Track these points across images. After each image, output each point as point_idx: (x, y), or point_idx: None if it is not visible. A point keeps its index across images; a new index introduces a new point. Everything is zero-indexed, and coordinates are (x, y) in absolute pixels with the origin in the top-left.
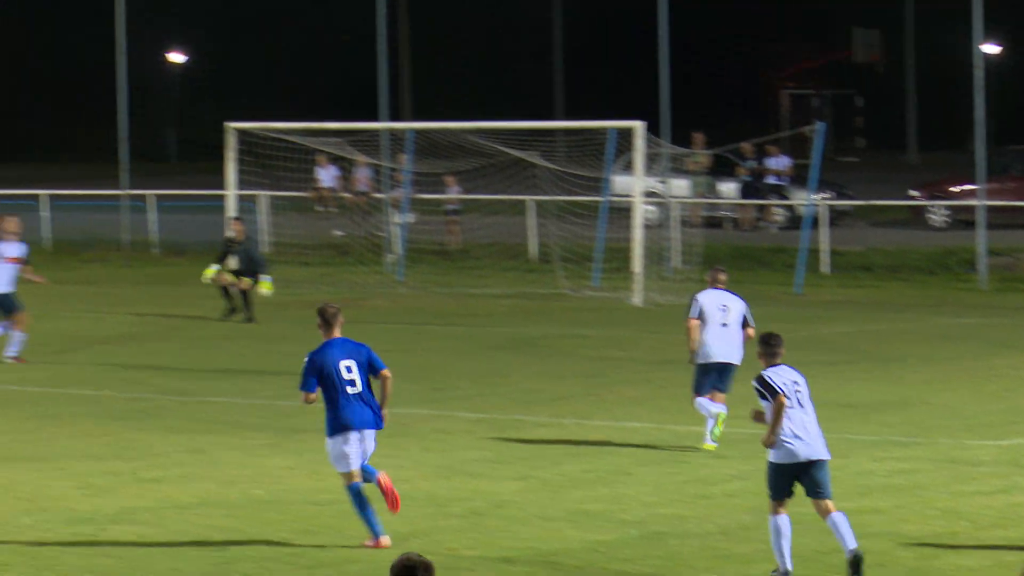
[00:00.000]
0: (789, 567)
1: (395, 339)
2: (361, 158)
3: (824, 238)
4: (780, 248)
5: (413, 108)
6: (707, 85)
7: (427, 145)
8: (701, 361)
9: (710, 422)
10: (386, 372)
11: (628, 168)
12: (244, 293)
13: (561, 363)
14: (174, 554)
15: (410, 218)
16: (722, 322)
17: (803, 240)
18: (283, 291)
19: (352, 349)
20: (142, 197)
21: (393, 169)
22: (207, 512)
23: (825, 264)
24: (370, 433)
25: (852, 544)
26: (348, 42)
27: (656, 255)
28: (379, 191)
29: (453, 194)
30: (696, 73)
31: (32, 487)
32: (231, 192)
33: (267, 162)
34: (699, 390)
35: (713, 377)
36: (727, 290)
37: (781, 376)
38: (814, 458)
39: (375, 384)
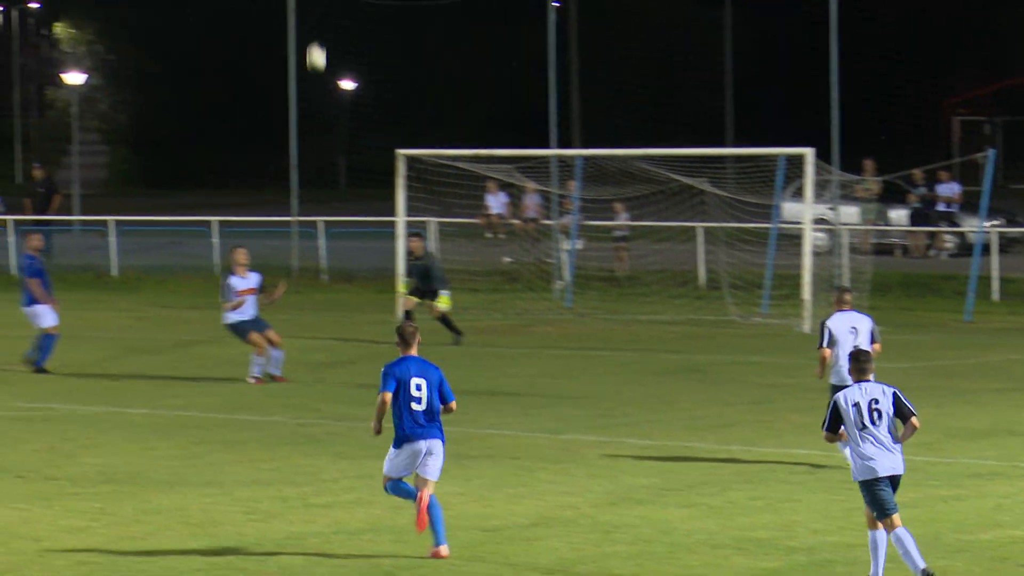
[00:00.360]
0: (921, 565)
1: (563, 365)
2: (530, 185)
3: (994, 265)
4: (950, 275)
5: (582, 135)
6: (878, 111)
7: (596, 172)
8: (836, 383)
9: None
10: (453, 405)
11: (798, 195)
12: (444, 318)
13: (729, 390)
14: None
15: (579, 245)
16: (854, 343)
17: (973, 267)
18: (453, 317)
19: (426, 368)
20: (312, 223)
21: (562, 196)
22: (376, 538)
23: (995, 291)
24: (435, 445)
25: (916, 560)
26: (517, 69)
27: (825, 282)
28: (548, 218)
29: (622, 220)
30: (867, 100)
31: (200, 512)
32: (400, 218)
33: (436, 188)
34: None
35: None
36: (854, 310)
37: (854, 396)
38: (895, 473)
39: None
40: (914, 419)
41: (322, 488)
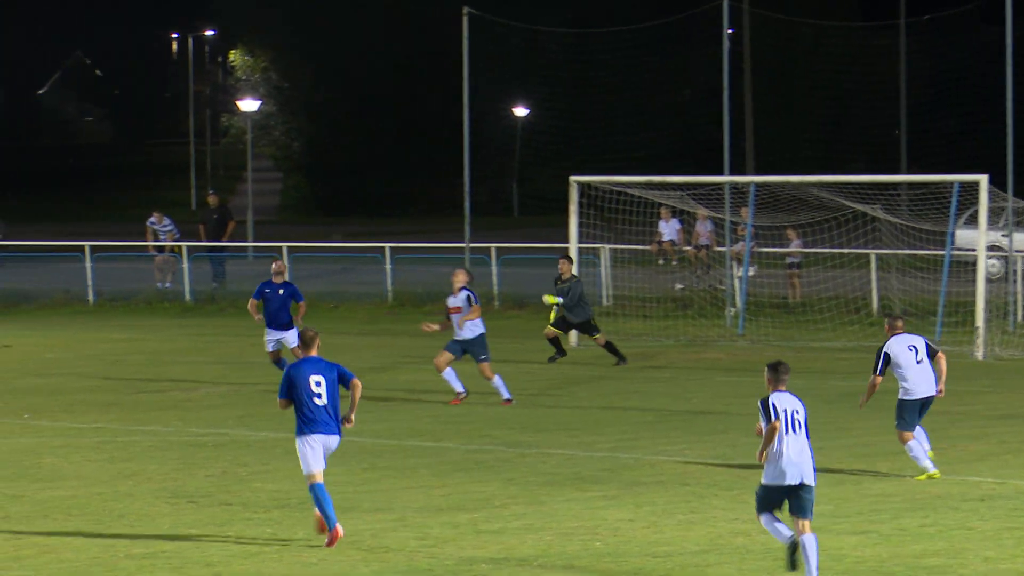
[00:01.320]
0: (788, 534)
1: (734, 391)
2: (703, 211)
3: None
4: None
5: (755, 161)
6: None
7: (769, 198)
8: (909, 399)
9: (923, 455)
10: (356, 381)
11: (972, 221)
12: (609, 345)
13: None
14: None
15: (751, 271)
16: (916, 360)
17: None
18: (624, 344)
19: (324, 367)
20: (484, 250)
21: (735, 222)
22: (547, 564)
23: None
24: (333, 440)
25: (812, 571)
26: (691, 96)
27: (999, 309)
28: (720, 244)
29: (795, 247)
30: None
31: (372, 538)
32: (573, 245)
33: (609, 215)
34: (910, 426)
35: (918, 413)
36: (907, 332)
37: (782, 402)
38: (803, 482)
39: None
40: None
41: (493, 514)
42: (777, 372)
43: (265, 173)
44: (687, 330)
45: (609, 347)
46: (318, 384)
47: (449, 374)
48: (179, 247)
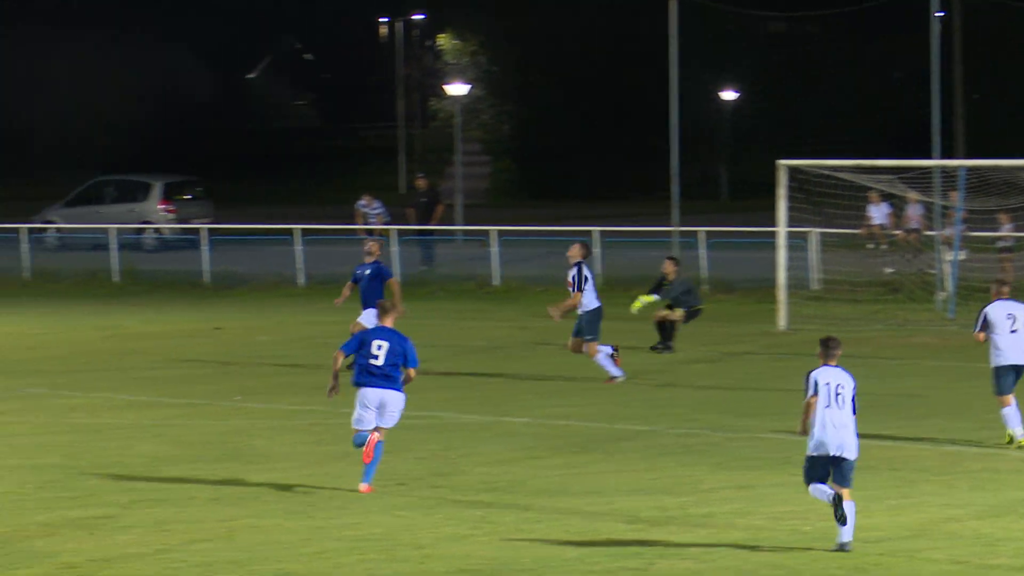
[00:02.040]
0: (830, 491)
1: (944, 376)
2: (913, 195)
3: None
4: None
5: (966, 145)
6: None
7: (979, 182)
8: (999, 364)
9: (1016, 421)
10: (412, 372)
11: None
12: (671, 323)
13: None
14: None
15: (962, 255)
16: (1011, 329)
17: None
18: (833, 328)
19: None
20: (692, 234)
21: (945, 206)
22: (756, 548)
23: None
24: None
25: (847, 537)
26: (900, 80)
27: None
28: (931, 228)
29: (1006, 231)
30: None
31: (581, 521)
32: (782, 229)
33: (818, 199)
34: (1003, 390)
35: (1012, 377)
36: (1012, 299)
37: (826, 377)
38: (841, 454)
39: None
40: None
41: (701, 499)
42: (827, 347)
43: (474, 157)
44: (897, 314)
45: (668, 329)
46: (379, 347)
47: (600, 359)
48: (388, 231)
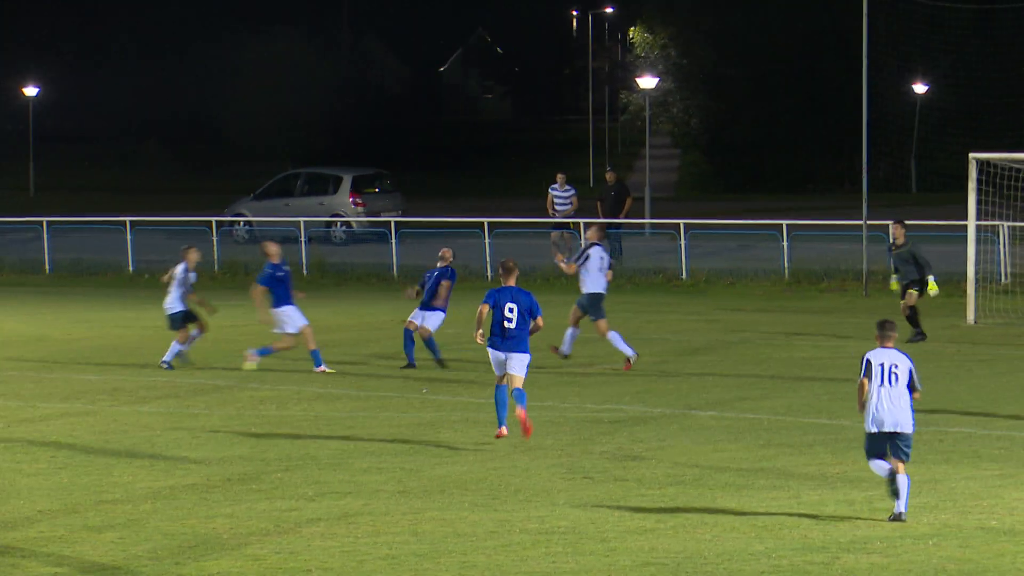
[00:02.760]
0: (887, 467)
1: None
2: None
3: None
4: None
5: None
6: None
7: None
8: None
9: None
10: (540, 321)
11: None
12: (912, 310)
13: None
14: None
15: None
16: None
17: None
18: (1023, 322)
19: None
20: (882, 227)
21: None
22: (940, 543)
23: None
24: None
25: (901, 508)
26: None
27: None
28: None
29: None
30: None
31: (768, 515)
32: (971, 222)
33: (1009, 192)
34: None
35: None
36: None
37: (880, 357)
38: (897, 429)
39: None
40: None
41: (886, 492)
42: (883, 329)
43: (663, 150)
44: None
45: (911, 316)
46: (511, 310)
47: (612, 337)
48: (575, 223)
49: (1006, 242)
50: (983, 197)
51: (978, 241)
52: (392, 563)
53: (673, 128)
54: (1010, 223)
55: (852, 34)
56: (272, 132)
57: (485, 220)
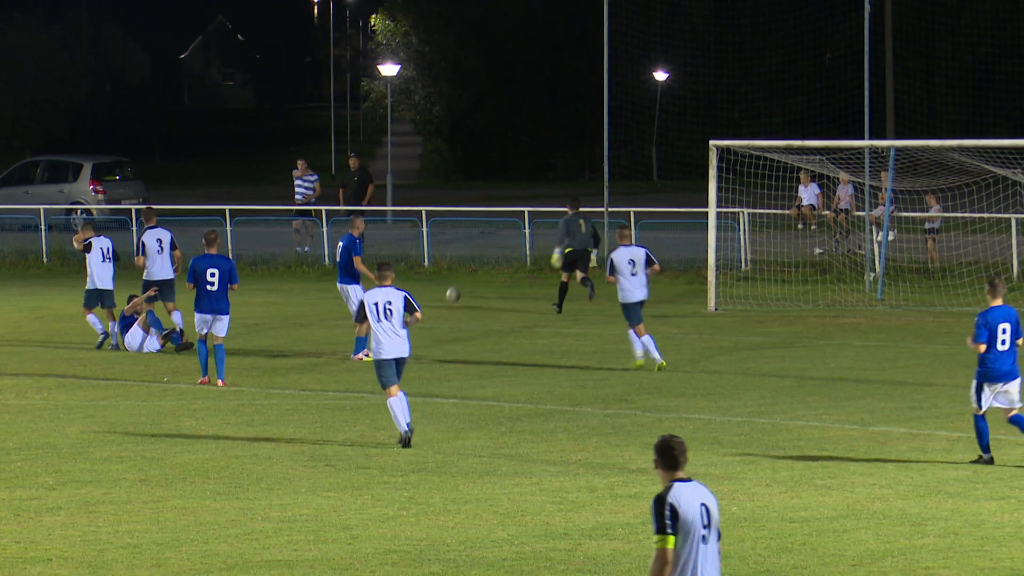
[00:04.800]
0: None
1: (873, 357)
2: (843, 176)
3: None
4: None
5: (896, 126)
6: None
7: (909, 163)
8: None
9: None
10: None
11: None
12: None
13: None
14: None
15: (891, 236)
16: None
17: None
18: (763, 309)
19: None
20: (624, 215)
21: (875, 187)
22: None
23: None
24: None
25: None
26: (831, 61)
27: None
28: (860, 209)
29: (934, 212)
30: None
31: (509, 502)
32: (712, 209)
33: (748, 179)
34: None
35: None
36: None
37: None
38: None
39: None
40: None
41: (630, 479)
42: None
43: (405, 137)
44: (826, 295)
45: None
46: (212, 275)
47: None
48: (317, 211)
49: (746, 229)
50: (723, 184)
51: (719, 228)
52: (134, 552)
53: (415, 116)
54: (750, 210)
55: (593, 22)
56: (10, 120)
57: (227, 208)
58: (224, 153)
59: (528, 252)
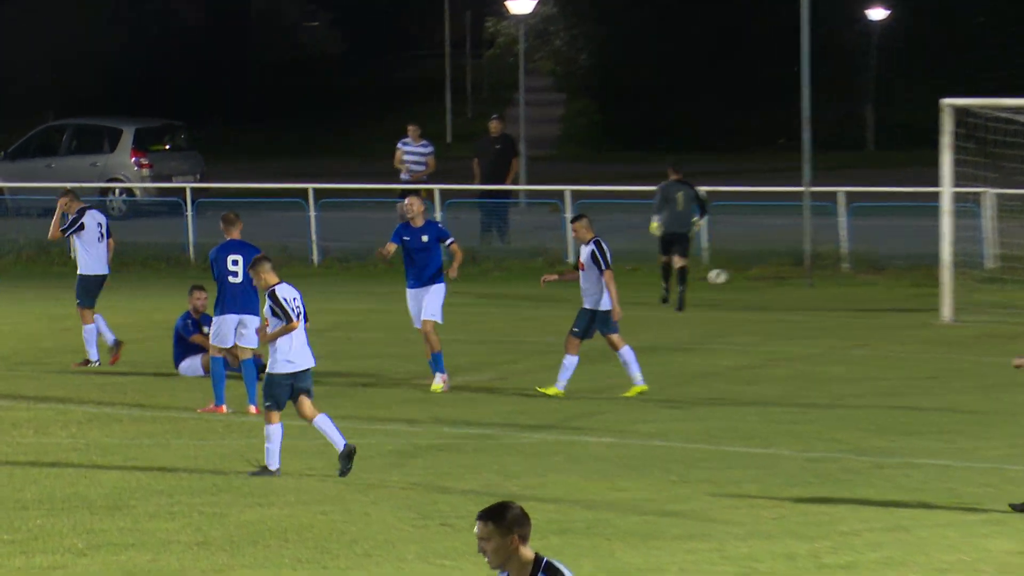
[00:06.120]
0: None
1: None
2: None
3: None
4: None
5: None
6: None
7: None
8: None
9: None
10: None
11: None
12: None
13: None
14: None
15: None
16: None
17: None
18: (1013, 319)
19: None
20: (830, 195)
21: None
22: None
23: None
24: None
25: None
26: None
27: None
28: None
29: None
30: None
31: (681, 572)
32: (946, 189)
33: (994, 150)
34: None
35: None
36: None
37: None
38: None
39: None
40: None
41: (840, 543)
42: None
43: (541, 95)
44: None
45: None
46: (236, 263)
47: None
48: (430, 190)
49: (991, 215)
50: (961, 156)
51: (955, 215)
52: None
53: (555, 66)
54: (996, 190)
55: None
56: (28, 73)
57: (310, 186)
58: (305, 116)
59: (706, 243)
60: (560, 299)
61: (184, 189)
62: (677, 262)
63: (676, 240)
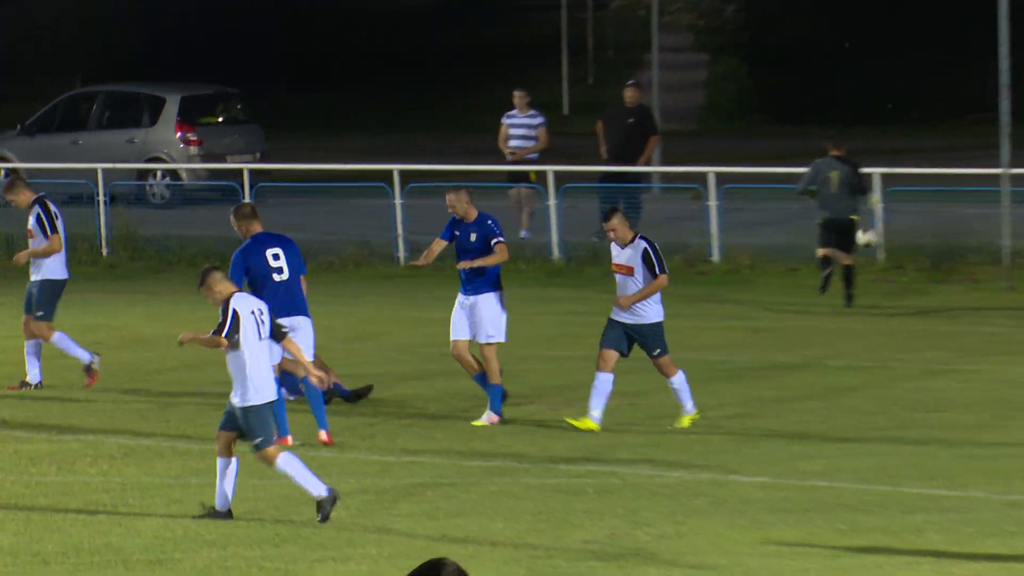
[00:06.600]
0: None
1: None
2: None
3: None
4: None
5: None
6: None
7: None
8: None
9: None
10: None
11: None
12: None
13: None
14: None
15: None
16: None
17: None
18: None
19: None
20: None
21: None
22: None
23: None
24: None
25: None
26: None
27: None
28: None
29: None
30: None
31: None
32: None
33: None
34: None
35: None
36: None
37: None
38: None
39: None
40: None
41: None
42: None
43: (679, 56)
44: None
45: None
46: (276, 257)
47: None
48: (541, 172)
49: None
50: None
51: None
52: None
53: (696, 21)
54: None
55: None
56: (51, 32)
57: (395, 168)
58: (388, 82)
59: (877, 239)
60: (709, 299)
61: (241, 171)
62: (844, 259)
63: (840, 229)
